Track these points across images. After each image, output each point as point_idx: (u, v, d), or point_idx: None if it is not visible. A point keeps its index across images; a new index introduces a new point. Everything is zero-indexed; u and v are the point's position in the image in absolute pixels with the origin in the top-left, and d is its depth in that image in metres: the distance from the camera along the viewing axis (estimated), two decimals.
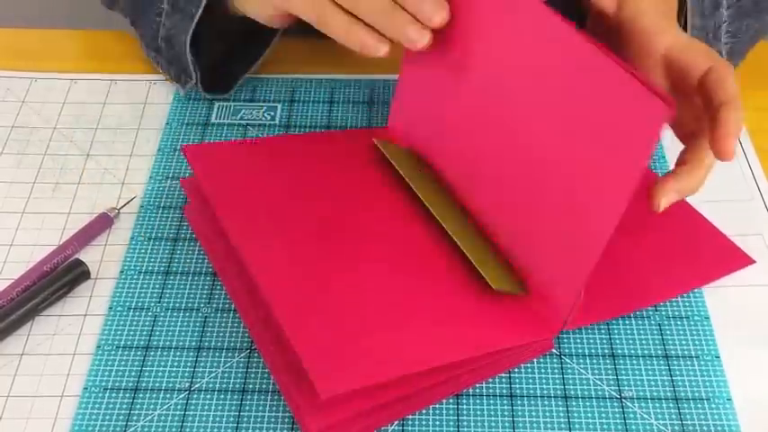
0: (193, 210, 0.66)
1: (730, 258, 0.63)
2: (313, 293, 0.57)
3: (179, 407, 0.57)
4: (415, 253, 0.61)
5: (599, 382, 0.58)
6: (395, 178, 0.66)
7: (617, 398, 0.57)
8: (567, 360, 0.59)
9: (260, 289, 0.56)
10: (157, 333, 0.60)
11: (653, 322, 0.60)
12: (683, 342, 0.60)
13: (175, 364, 0.59)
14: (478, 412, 0.56)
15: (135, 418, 0.56)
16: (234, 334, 0.60)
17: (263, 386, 0.58)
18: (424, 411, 0.56)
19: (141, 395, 0.57)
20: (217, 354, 0.59)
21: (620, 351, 0.59)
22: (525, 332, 0.57)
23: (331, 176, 0.65)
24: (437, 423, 0.56)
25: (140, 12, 0.75)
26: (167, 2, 0.71)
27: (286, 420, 0.56)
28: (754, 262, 0.63)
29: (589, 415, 0.56)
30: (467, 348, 0.55)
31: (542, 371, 0.58)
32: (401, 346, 0.55)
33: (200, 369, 0.58)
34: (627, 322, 0.60)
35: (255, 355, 0.59)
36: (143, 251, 0.65)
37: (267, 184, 0.63)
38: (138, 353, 0.59)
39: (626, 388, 0.57)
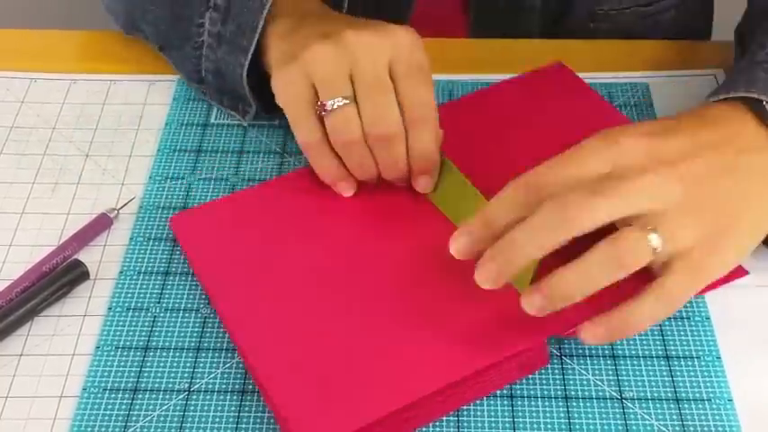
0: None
1: None
2: (293, 341, 0.57)
3: (178, 408, 0.56)
4: (397, 272, 0.61)
5: (599, 383, 0.57)
6: (376, 196, 0.66)
7: (618, 398, 0.57)
8: (568, 361, 0.58)
9: (240, 344, 0.57)
10: (157, 334, 0.60)
11: None
12: (684, 343, 0.59)
13: (175, 364, 0.59)
14: (479, 413, 0.56)
15: (134, 418, 0.56)
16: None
17: None
18: None
19: (140, 396, 0.57)
20: (216, 354, 0.59)
21: (620, 351, 0.59)
22: (518, 340, 0.57)
23: (315, 214, 0.65)
24: (437, 424, 0.56)
25: (172, 43, 0.74)
26: (208, 34, 0.70)
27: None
28: (747, 273, 0.62)
29: (590, 416, 0.56)
30: (459, 368, 0.55)
31: (543, 371, 0.58)
32: (387, 380, 0.55)
33: (200, 370, 0.58)
34: None
35: None
36: (142, 252, 0.65)
37: (253, 240, 0.63)
38: (138, 353, 0.59)
39: (627, 388, 0.57)
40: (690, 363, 0.58)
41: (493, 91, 0.73)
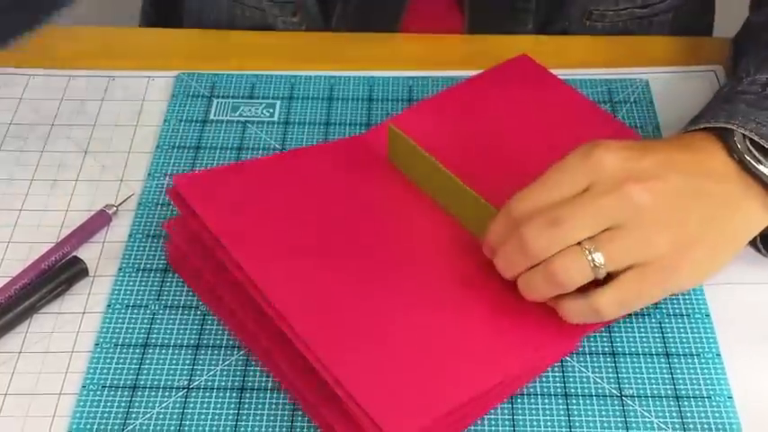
0: (185, 254, 0.62)
1: None
2: (346, 329, 0.55)
3: (177, 405, 0.56)
4: (439, 262, 0.60)
5: (599, 380, 0.57)
6: (394, 181, 0.65)
7: (617, 396, 0.57)
8: (568, 358, 0.58)
9: (292, 331, 0.54)
10: (156, 331, 0.60)
11: (653, 320, 0.60)
12: (684, 340, 0.59)
13: (174, 361, 0.58)
14: None
15: (133, 416, 0.56)
16: (232, 332, 0.60)
17: (262, 384, 0.57)
18: None
19: (140, 393, 0.57)
20: (215, 351, 0.59)
21: (620, 349, 0.59)
22: (568, 331, 0.57)
23: (334, 191, 0.64)
24: None
25: None
26: None
27: (285, 418, 0.56)
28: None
29: (590, 413, 0.56)
30: (516, 359, 0.56)
31: None
32: (452, 370, 0.54)
33: (199, 367, 0.58)
34: (627, 320, 0.60)
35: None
36: (141, 248, 0.65)
37: (272, 212, 0.61)
38: (137, 350, 0.59)
39: (626, 386, 0.57)
40: (690, 360, 0.58)
41: (461, 88, 0.73)
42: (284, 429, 0.55)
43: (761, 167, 0.57)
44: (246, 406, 0.56)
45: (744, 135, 0.57)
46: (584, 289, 0.55)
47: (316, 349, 0.53)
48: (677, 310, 0.61)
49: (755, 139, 0.57)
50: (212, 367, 0.58)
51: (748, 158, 0.57)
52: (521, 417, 0.56)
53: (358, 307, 0.57)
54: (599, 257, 0.54)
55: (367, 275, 0.59)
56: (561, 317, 0.56)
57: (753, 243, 0.61)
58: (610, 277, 0.55)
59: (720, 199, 0.57)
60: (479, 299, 0.58)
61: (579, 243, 0.54)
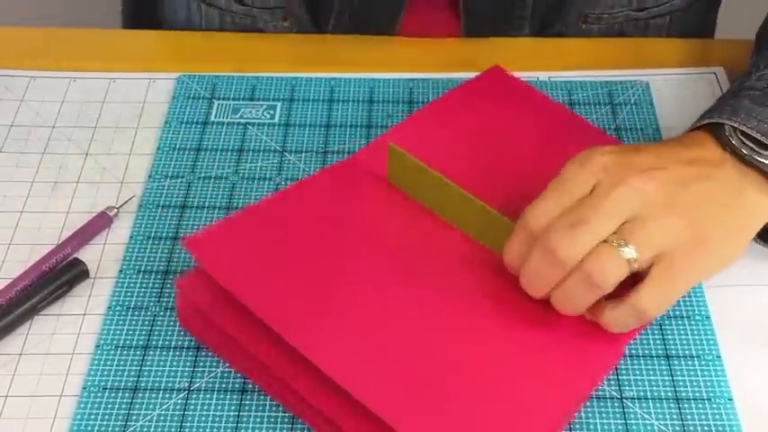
0: (199, 312, 0.60)
1: None
2: (384, 365, 0.54)
3: (178, 407, 0.56)
4: (465, 282, 0.59)
5: (599, 382, 0.57)
6: (399, 201, 0.64)
7: (618, 398, 0.57)
8: None
9: (327, 372, 0.53)
10: (156, 332, 0.60)
11: (654, 322, 0.60)
12: (684, 342, 0.59)
13: (175, 363, 0.59)
14: None
15: (134, 417, 0.56)
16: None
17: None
18: None
19: (140, 395, 0.57)
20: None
21: None
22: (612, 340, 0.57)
23: (345, 223, 0.62)
24: None
25: None
26: None
27: (285, 420, 0.56)
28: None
29: (590, 415, 0.56)
30: (576, 389, 0.55)
31: None
32: (513, 409, 0.53)
33: (200, 369, 0.58)
34: None
35: None
36: (142, 250, 0.65)
37: (286, 258, 0.59)
38: (138, 352, 0.59)
39: (627, 388, 0.57)
40: (690, 362, 0.58)
41: (438, 106, 0.71)
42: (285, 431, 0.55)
43: (759, 159, 0.57)
44: (247, 408, 0.56)
45: (734, 128, 0.58)
46: (615, 297, 0.55)
47: (353, 388, 0.52)
48: (677, 312, 0.61)
49: (757, 136, 0.57)
50: (213, 369, 0.58)
51: (745, 151, 0.58)
52: None
53: (395, 342, 0.55)
54: (631, 251, 0.53)
55: (394, 306, 0.57)
56: (605, 328, 0.56)
57: (758, 236, 0.61)
58: (638, 280, 0.55)
59: (722, 183, 0.57)
60: (517, 321, 0.57)
61: (605, 241, 0.54)
